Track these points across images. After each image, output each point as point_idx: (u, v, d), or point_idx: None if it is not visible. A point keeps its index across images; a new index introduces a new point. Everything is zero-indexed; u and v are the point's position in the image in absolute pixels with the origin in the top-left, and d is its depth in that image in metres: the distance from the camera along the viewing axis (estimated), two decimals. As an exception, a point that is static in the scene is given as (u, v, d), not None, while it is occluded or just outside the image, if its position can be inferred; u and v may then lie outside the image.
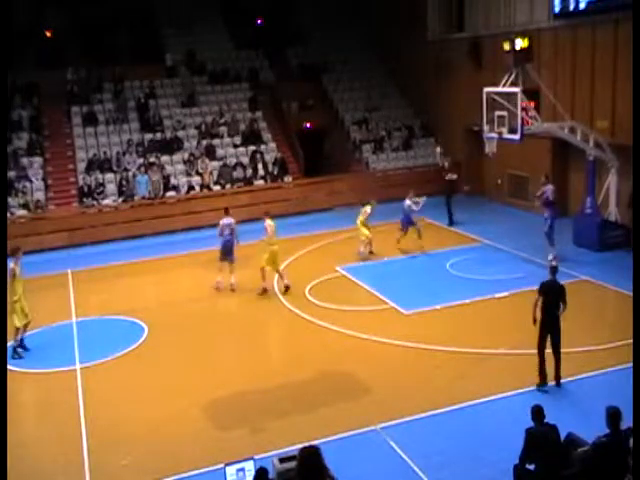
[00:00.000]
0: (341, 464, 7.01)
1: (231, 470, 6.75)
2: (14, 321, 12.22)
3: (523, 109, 15.21)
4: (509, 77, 15.73)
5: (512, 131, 15.37)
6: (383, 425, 9.15)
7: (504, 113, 15.50)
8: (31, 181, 21.45)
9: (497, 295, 13.67)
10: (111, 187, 21.92)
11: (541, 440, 7.00)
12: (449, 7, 24.40)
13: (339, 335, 12.42)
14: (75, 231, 20.07)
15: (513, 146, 16.57)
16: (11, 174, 21.25)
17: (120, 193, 21.76)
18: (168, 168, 22.76)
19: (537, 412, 7.14)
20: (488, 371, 10.71)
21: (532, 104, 16.36)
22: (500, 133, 15.66)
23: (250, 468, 6.79)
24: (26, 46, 25.14)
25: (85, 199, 21.38)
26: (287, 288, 14.69)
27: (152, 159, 22.62)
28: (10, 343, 12.33)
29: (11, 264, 12.28)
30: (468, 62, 22.40)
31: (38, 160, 22.26)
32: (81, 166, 22.33)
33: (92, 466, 8.73)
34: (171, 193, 22.02)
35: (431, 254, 16.88)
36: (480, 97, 16.35)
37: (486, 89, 16.22)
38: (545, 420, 7.10)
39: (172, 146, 23.51)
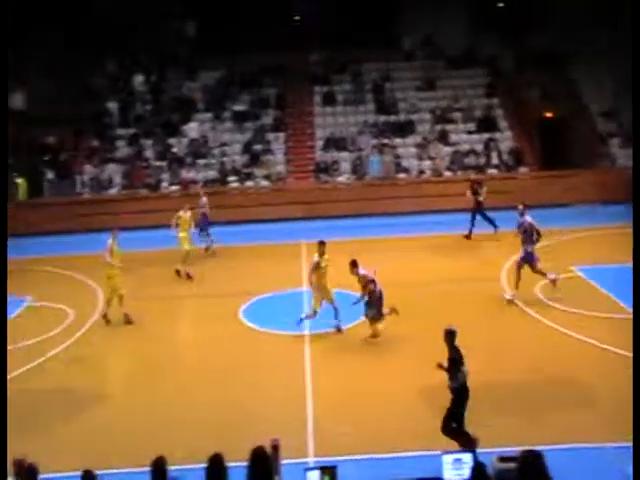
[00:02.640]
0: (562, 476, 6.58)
1: (448, 459, 6.63)
2: (117, 292, 13.18)
3: None
4: None
5: None
6: (614, 445, 8.42)
7: None
8: (274, 154, 23.06)
9: None
10: (345, 165, 22.77)
11: None
12: None
13: (571, 340, 11.65)
14: (310, 204, 21.21)
15: None
16: (257, 147, 23.05)
17: (354, 171, 22.53)
18: (400, 150, 23.05)
19: None
20: None
21: None
22: None
23: (467, 461, 6.65)
24: (273, 28, 26.71)
25: (321, 175, 22.50)
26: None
27: (385, 140, 23.05)
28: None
29: (109, 240, 13.31)
30: None
31: (281, 135, 23.82)
32: (319, 143, 23.49)
33: (315, 430, 9.19)
34: (402, 175, 22.31)
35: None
36: None
37: None
38: None
39: (405, 129, 23.73)
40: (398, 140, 23.38)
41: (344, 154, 23.07)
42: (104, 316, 13.29)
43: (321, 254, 12.26)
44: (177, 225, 16.10)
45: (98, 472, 6.21)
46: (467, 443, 8.19)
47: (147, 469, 6.21)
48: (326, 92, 25.04)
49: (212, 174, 22.47)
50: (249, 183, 22.32)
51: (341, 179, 22.37)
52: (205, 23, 26.10)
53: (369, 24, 26.71)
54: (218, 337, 12.51)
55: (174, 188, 21.66)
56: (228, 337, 12.49)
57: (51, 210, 20.05)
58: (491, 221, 17.65)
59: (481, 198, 17.67)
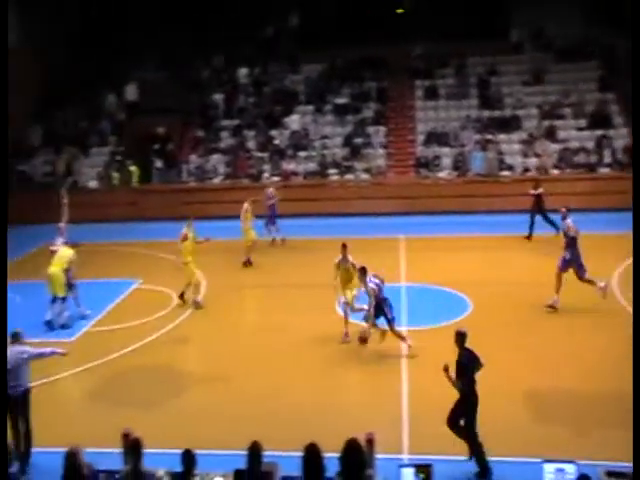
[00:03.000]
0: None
1: (550, 468, 6.37)
2: (193, 278, 13.44)
3: None
4: None
5: None
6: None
7: None
8: (374, 148, 22.95)
9: None
10: (447, 161, 22.32)
11: None
12: None
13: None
14: (410, 199, 20.95)
15: None
16: (358, 141, 23.01)
17: (455, 167, 22.06)
18: (504, 147, 22.33)
19: None
20: None
21: None
22: None
23: (571, 471, 6.35)
24: (375, 21, 26.45)
25: (422, 170, 22.18)
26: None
27: (489, 136, 22.41)
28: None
29: (184, 229, 13.61)
30: None
31: (382, 129, 23.66)
32: (420, 138, 23.15)
33: (410, 428, 9.05)
34: (506, 172, 21.61)
35: None
36: None
37: None
38: None
39: (510, 125, 22.96)
40: (502, 136, 22.65)
41: (445, 149, 22.62)
42: (180, 296, 13.85)
43: (344, 256, 12.11)
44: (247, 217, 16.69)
45: (197, 452, 6.41)
46: (472, 448, 7.80)
47: (243, 453, 6.34)
48: (428, 86, 24.63)
49: (312, 166, 22.65)
50: (349, 176, 22.32)
51: (442, 175, 21.95)
52: (308, 16, 26.28)
53: (475, 15, 26.05)
54: (315, 328, 12.57)
55: (275, 179, 22.00)
56: (324, 328, 12.53)
57: (159, 197, 20.89)
58: (552, 222, 17.03)
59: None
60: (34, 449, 8.60)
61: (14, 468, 6.78)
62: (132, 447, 6.42)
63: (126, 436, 7.21)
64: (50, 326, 12.80)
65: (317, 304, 13.41)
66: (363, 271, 11.42)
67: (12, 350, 8.63)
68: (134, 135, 24.03)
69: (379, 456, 6.99)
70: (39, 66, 23.54)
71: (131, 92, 25.10)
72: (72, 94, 25.21)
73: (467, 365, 8.04)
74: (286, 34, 26.78)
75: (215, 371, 11.06)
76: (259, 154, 23.09)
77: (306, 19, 26.24)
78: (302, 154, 23.04)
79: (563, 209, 13.26)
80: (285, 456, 8.19)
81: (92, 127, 24.61)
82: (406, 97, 24.93)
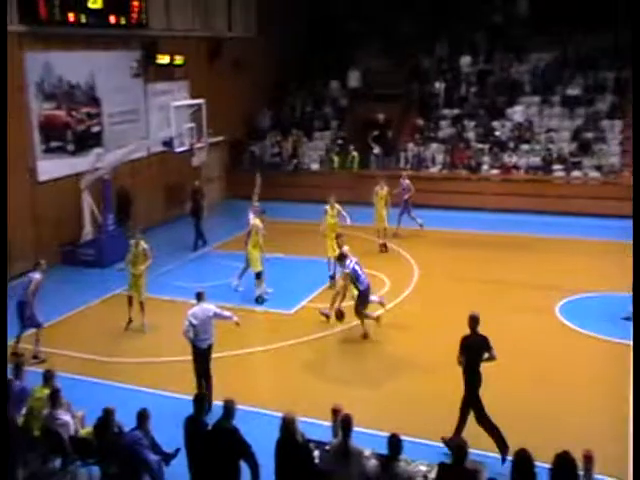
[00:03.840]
0: None
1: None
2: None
3: None
4: None
5: None
6: None
7: None
8: (608, 144, 21.16)
9: None
10: (693, 161, 19.88)
11: None
12: None
13: None
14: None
15: None
16: (588, 135, 21.38)
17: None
18: None
19: None
20: None
21: None
22: None
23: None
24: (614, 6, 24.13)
25: (661, 170, 19.98)
26: None
27: None
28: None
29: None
30: None
31: (617, 124, 21.71)
32: (662, 135, 20.84)
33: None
34: None
35: None
36: None
37: None
38: None
39: None
40: None
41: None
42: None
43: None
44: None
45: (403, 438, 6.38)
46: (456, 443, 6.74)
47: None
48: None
49: (535, 161, 21.46)
50: (576, 173, 20.82)
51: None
52: (538, 2, 24.82)
53: None
54: (533, 330, 12.04)
55: (494, 172, 21.21)
56: (543, 332, 11.96)
57: (375, 182, 21.25)
58: None
59: None
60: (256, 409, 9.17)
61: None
62: (343, 423, 6.56)
63: (335, 411, 7.42)
64: (260, 301, 13.68)
65: (537, 305, 12.91)
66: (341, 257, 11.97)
67: (200, 308, 9.49)
68: (355, 121, 24.63)
69: (600, 477, 6.44)
70: (272, 55, 25.03)
71: (353, 79, 25.73)
72: (300, 80, 26.52)
73: (477, 345, 8.25)
74: (515, 21, 25.65)
75: (433, 360, 10.88)
76: (479, 145, 22.43)
77: (537, 5, 24.82)
78: (525, 147, 21.94)
79: None
80: (492, 457, 7.97)
81: (316, 112, 25.66)
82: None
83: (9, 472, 7.27)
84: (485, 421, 8.22)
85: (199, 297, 9.66)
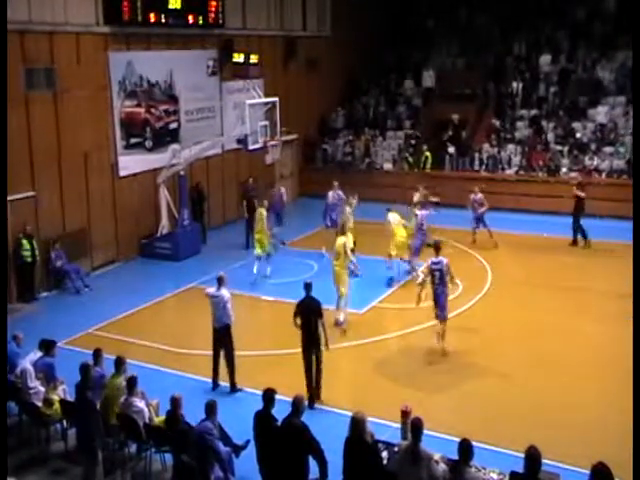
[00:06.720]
0: None
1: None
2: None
3: None
4: None
5: None
6: None
7: None
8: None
9: None
10: None
11: None
12: None
13: None
14: None
15: None
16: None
17: None
18: None
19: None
20: None
21: None
22: None
23: None
24: None
25: None
26: None
27: None
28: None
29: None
30: None
31: None
32: None
33: None
34: None
35: None
36: None
37: None
38: None
39: None
40: None
41: None
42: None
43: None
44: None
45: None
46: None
47: (520, 455, 5.96)
48: None
49: (619, 164, 20.59)
50: (662, 177, 19.86)
51: None
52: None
53: None
54: (612, 339, 11.59)
55: (574, 174, 20.46)
56: (621, 342, 11.39)
57: (450, 183, 20.88)
58: None
59: None
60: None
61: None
62: (413, 427, 6.45)
63: (405, 413, 7.33)
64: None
65: (617, 315, 12.37)
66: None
67: (218, 292, 10.04)
68: (429, 121, 24.32)
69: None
70: (346, 54, 25.01)
71: (428, 78, 25.40)
72: (374, 80, 26.40)
73: None
74: (601, 18, 24.70)
75: (507, 365, 10.68)
76: (558, 147, 21.71)
77: (623, 1, 23.77)
78: (607, 149, 21.09)
79: None
80: (566, 469, 7.67)
81: (390, 112, 25.47)
82: None
83: (91, 454, 7.52)
84: None
85: (220, 281, 10.12)
